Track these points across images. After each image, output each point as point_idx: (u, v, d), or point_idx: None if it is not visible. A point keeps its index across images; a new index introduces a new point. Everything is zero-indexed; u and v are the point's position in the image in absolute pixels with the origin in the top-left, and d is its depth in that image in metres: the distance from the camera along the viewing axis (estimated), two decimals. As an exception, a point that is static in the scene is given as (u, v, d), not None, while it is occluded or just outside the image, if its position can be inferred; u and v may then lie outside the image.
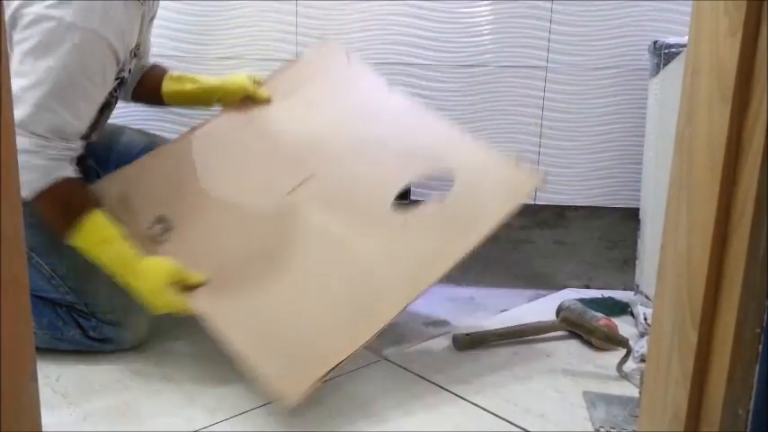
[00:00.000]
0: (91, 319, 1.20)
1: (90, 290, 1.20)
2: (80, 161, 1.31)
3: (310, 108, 1.42)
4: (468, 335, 1.29)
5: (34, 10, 1.06)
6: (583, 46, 1.52)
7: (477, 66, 1.55)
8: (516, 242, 1.65)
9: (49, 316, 1.20)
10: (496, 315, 1.47)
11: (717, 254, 0.55)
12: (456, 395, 1.12)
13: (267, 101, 1.41)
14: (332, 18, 1.54)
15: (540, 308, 1.51)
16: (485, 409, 1.08)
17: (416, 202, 1.32)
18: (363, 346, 1.09)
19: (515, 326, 1.34)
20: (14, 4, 1.08)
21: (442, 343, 1.31)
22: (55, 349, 1.20)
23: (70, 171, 1.15)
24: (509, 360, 1.25)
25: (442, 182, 1.33)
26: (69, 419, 1.02)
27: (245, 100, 1.41)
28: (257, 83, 1.41)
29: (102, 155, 1.36)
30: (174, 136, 1.57)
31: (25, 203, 0.94)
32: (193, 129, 1.42)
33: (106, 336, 1.21)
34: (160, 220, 1.28)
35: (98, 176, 1.35)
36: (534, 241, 1.65)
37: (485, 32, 1.53)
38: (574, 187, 1.59)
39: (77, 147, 1.16)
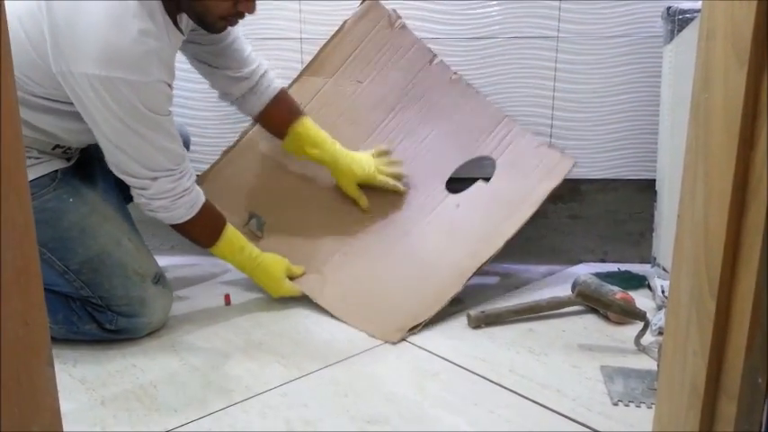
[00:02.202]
0: (106, 312, 1.20)
1: (104, 283, 1.20)
2: (84, 150, 1.32)
3: (358, 86, 1.51)
4: (482, 312, 1.29)
5: (88, 71, 1.06)
6: (594, 14, 1.49)
7: (487, 38, 1.52)
8: (530, 217, 1.63)
9: (63, 311, 1.20)
10: (511, 291, 1.47)
11: (734, 221, 0.54)
12: (472, 372, 1.12)
13: (365, 209, 1.46)
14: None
15: (556, 283, 1.50)
16: (501, 386, 1.08)
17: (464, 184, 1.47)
18: (431, 316, 1.28)
19: (530, 302, 1.33)
20: (62, 62, 1.08)
21: (457, 321, 1.31)
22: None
23: (202, 194, 1.27)
24: (524, 336, 1.25)
25: (484, 163, 1.47)
26: (87, 405, 1.03)
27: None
28: (377, 165, 1.45)
29: None
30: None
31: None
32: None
33: (122, 327, 1.21)
34: (251, 216, 1.47)
35: (101, 163, 1.35)
36: (548, 216, 1.63)
37: (493, 3, 1.50)
38: (587, 160, 1.57)
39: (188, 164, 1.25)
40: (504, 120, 1.48)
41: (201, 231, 1.30)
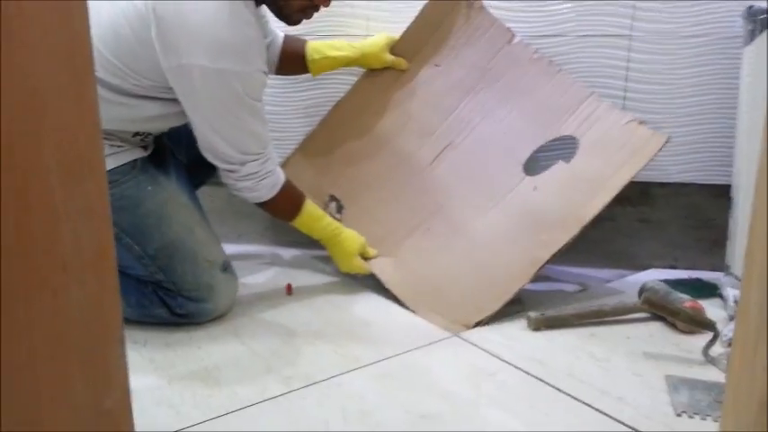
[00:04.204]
0: (176, 297, 1.25)
1: (177, 269, 1.25)
2: (157, 139, 1.38)
3: (436, 69, 1.51)
4: (543, 314, 1.27)
5: (200, 63, 1.14)
6: (670, 13, 1.44)
7: (556, 36, 1.49)
8: (596, 220, 1.59)
9: (136, 295, 1.26)
10: (574, 295, 1.44)
11: (811, 232, 0.51)
12: (528, 374, 1.11)
13: (405, 70, 1.54)
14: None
15: (622, 288, 1.46)
16: (559, 389, 1.06)
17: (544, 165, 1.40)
18: (506, 302, 1.28)
19: (594, 306, 1.30)
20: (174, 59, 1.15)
21: (517, 323, 1.29)
22: (142, 319, 1.28)
23: (283, 175, 1.35)
24: (586, 341, 1.22)
25: (566, 143, 1.40)
26: (155, 383, 1.07)
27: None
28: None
29: (173, 132, 1.41)
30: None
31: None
32: (336, 106, 1.57)
33: (190, 311, 1.26)
34: (332, 199, 1.53)
35: (173, 153, 1.42)
36: (617, 219, 1.59)
37: (563, 0, 1.47)
38: (659, 162, 1.52)
39: (272, 149, 1.33)
40: (590, 97, 1.39)
41: (283, 208, 1.39)
